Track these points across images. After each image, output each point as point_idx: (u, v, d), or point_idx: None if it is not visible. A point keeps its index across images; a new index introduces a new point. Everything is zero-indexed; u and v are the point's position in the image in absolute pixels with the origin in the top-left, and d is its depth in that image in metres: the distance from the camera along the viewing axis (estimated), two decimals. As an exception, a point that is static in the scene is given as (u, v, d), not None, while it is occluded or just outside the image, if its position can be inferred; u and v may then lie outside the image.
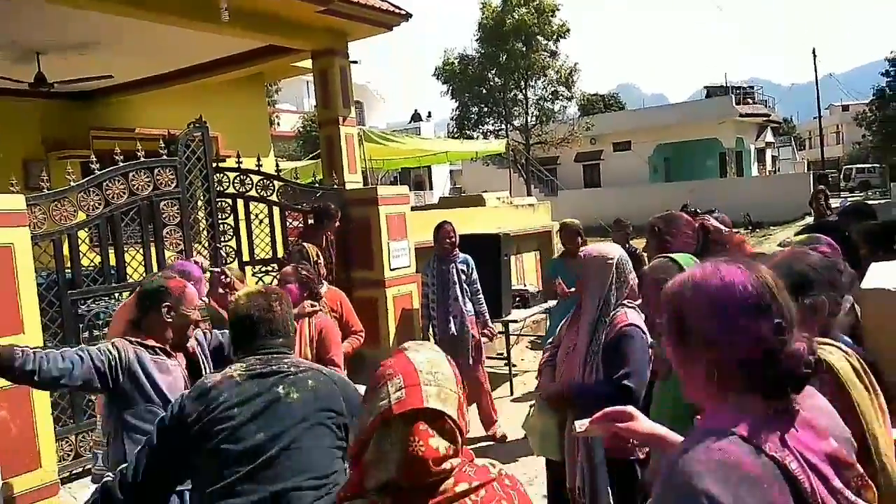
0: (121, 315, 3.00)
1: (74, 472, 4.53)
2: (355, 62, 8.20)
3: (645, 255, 4.19)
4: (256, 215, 6.13)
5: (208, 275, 3.85)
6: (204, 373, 2.78)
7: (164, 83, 8.91)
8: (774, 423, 1.13)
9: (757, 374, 1.15)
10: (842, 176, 37.62)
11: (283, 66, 9.15)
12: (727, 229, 3.92)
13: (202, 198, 5.57)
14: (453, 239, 5.73)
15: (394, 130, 20.50)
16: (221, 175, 5.81)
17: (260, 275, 6.12)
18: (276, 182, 6.22)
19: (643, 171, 31.70)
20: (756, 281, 1.19)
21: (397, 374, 1.33)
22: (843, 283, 1.88)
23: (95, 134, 9.07)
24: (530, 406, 3.04)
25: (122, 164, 4.91)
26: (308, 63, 7.88)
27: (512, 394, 6.71)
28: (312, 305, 3.71)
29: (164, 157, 5.24)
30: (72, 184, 4.64)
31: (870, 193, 31.39)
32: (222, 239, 5.76)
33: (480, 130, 28.28)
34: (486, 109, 28.19)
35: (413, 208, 7.55)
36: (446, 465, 1.28)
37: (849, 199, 22.10)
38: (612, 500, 2.49)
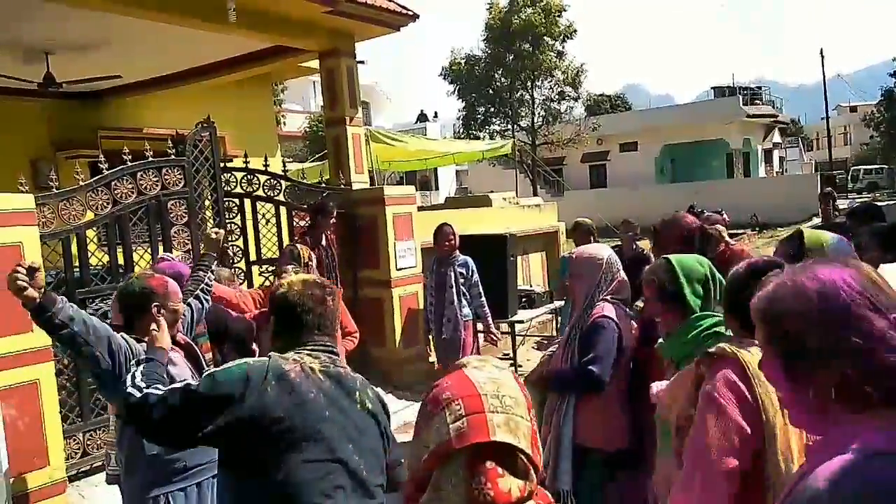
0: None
1: (82, 469, 4.55)
2: (362, 62, 8.21)
3: (651, 255, 4.21)
4: (263, 215, 6.15)
5: None
6: (204, 363, 2.78)
7: (171, 83, 8.95)
8: None
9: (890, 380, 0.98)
10: (849, 177, 37.38)
11: (290, 67, 9.19)
12: (732, 241, 3.97)
13: (210, 197, 5.59)
14: (452, 241, 5.71)
15: (400, 131, 20.47)
16: (229, 175, 5.84)
17: (267, 274, 6.14)
18: (283, 182, 6.24)
19: (650, 171, 31.63)
20: (858, 276, 1.03)
21: (456, 399, 1.09)
22: None
23: (104, 134, 9.10)
24: None
25: (130, 164, 4.94)
26: (315, 63, 7.89)
27: (517, 394, 6.68)
28: None
29: (173, 156, 5.26)
30: (80, 183, 4.67)
31: (877, 195, 31.20)
32: (229, 238, 5.77)
33: (487, 131, 28.25)
34: (492, 110, 28.19)
35: (419, 208, 7.56)
36: None
37: (856, 200, 21.98)
38: (570, 482, 2.73)
